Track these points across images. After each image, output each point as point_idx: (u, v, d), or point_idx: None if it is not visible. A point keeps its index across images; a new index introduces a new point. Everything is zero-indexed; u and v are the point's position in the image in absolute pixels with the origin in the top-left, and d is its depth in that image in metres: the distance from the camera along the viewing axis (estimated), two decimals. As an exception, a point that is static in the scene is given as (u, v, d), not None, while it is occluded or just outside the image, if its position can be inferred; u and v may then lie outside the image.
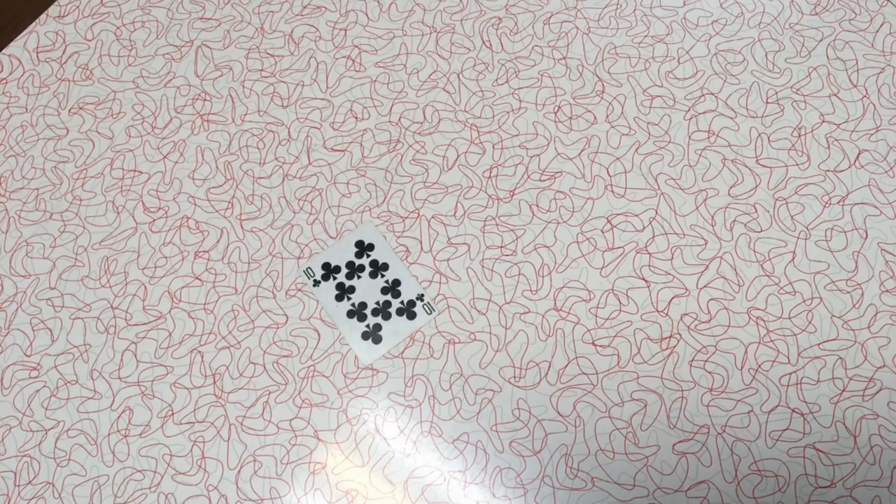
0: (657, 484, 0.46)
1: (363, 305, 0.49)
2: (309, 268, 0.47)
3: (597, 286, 0.51)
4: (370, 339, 0.48)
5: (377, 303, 0.49)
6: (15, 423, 0.50)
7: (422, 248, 0.53)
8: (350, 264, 0.49)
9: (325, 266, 0.49)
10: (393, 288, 0.49)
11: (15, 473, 0.49)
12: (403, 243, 0.53)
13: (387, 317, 0.49)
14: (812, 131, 0.55)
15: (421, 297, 0.47)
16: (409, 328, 0.48)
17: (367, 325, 0.49)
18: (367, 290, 0.50)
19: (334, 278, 0.49)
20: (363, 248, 0.49)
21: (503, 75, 0.58)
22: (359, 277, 0.49)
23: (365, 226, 0.49)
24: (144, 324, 0.52)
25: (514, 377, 0.49)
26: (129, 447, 0.49)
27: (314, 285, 0.46)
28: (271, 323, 0.51)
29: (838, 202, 0.52)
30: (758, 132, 0.55)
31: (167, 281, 0.53)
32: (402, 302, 0.49)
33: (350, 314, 0.48)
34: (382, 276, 0.49)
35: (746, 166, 0.54)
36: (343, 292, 0.48)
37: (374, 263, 0.49)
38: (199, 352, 0.51)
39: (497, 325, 0.50)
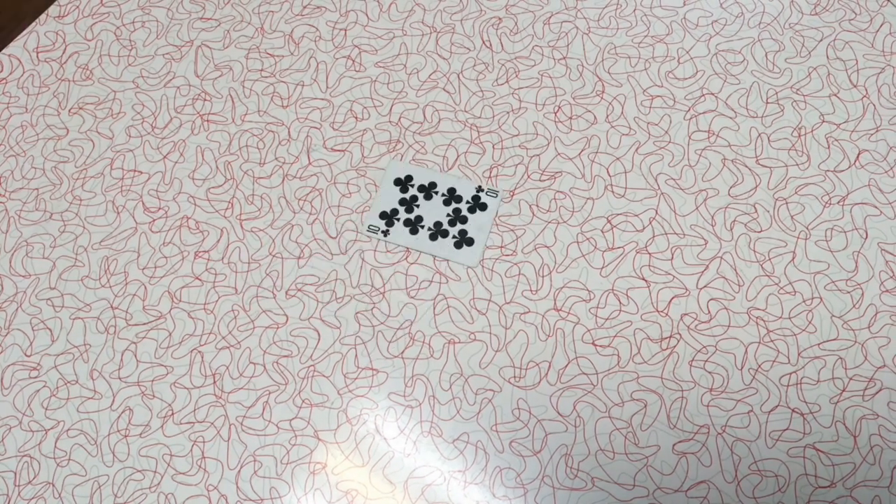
0: (657, 484, 0.46)
1: (438, 224, 0.51)
2: (371, 225, 0.49)
3: (597, 286, 0.51)
4: (464, 245, 0.51)
5: (448, 215, 0.51)
6: (15, 423, 0.50)
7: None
8: (402, 201, 0.52)
9: (383, 215, 0.51)
10: (452, 196, 0.51)
11: (15, 473, 0.49)
12: (403, 243, 0.53)
13: (463, 220, 0.51)
14: (812, 131, 0.55)
15: (480, 189, 0.50)
16: (488, 218, 0.51)
17: (454, 236, 0.51)
18: (433, 210, 0.52)
19: (398, 220, 0.51)
20: (404, 182, 0.52)
21: (503, 75, 0.58)
22: (418, 207, 0.51)
23: (391, 166, 0.50)
24: (144, 324, 0.52)
25: (514, 377, 0.49)
26: (129, 447, 0.49)
27: (385, 235, 0.49)
28: (271, 323, 0.51)
29: (838, 202, 0.52)
30: (758, 132, 0.55)
31: (167, 281, 0.53)
32: (467, 202, 0.51)
33: (433, 237, 0.51)
34: (436, 192, 0.51)
35: (746, 166, 0.54)
36: (415, 224, 0.51)
37: (421, 188, 0.52)
38: (199, 352, 0.51)
39: (497, 325, 0.50)
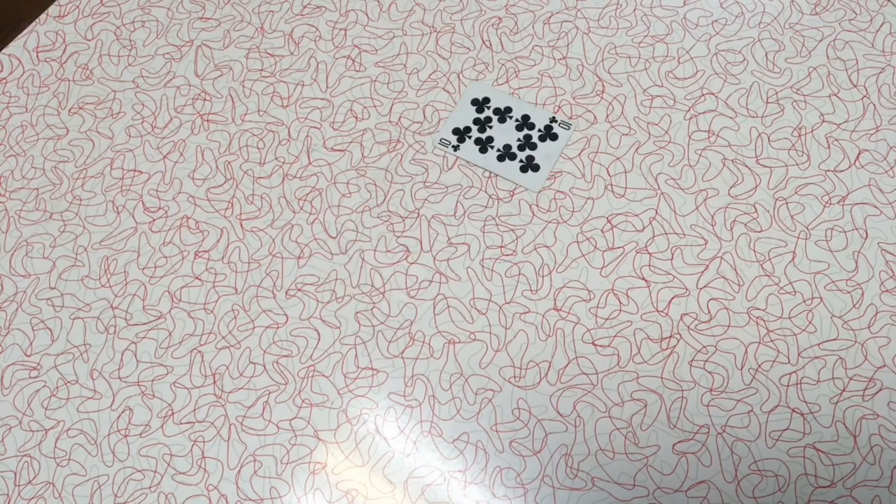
0: (657, 484, 0.46)
1: (508, 147, 0.53)
2: (442, 138, 0.51)
3: (597, 286, 0.51)
4: (529, 170, 0.52)
5: (518, 139, 0.53)
6: (15, 423, 0.50)
7: (422, 248, 0.53)
8: (477, 121, 0.54)
9: (456, 131, 0.53)
10: (525, 122, 0.53)
11: (15, 473, 0.49)
12: (403, 243, 0.53)
13: (533, 147, 0.53)
14: (812, 131, 0.55)
15: (554, 120, 0.52)
16: (556, 148, 0.52)
17: (521, 161, 0.52)
18: (504, 133, 0.54)
19: (469, 137, 0.53)
20: (480, 103, 0.53)
21: (503, 75, 0.58)
22: (491, 128, 0.53)
23: (472, 86, 0.52)
24: (144, 324, 0.52)
25: (514, 377, 0.49)
26: (129, 447, 0.49)
27: (454, 150, 0.51)
28: (271, 323, 0.51)
29: (838, 202, 0.52)
30: (758, 132, 0.55)
31: (167, 281, 0.53)
32: (539, 130, 0.53)
33: (500, 158, 0.52)
34: (510, 117, 0.53)
35: (746, 166, 0.54)
36: (485, 144, 0.52)
37: (496, 111, 0.53)
38: (199, 352, 0.51)
39: (497, 325, 0.50)
